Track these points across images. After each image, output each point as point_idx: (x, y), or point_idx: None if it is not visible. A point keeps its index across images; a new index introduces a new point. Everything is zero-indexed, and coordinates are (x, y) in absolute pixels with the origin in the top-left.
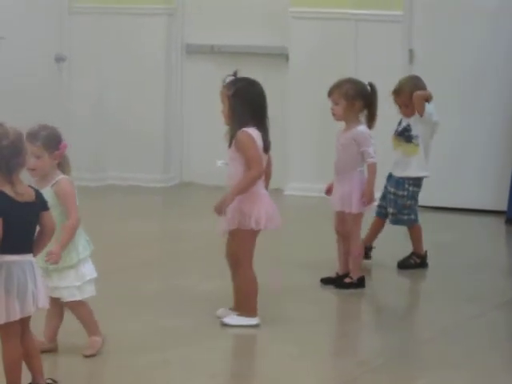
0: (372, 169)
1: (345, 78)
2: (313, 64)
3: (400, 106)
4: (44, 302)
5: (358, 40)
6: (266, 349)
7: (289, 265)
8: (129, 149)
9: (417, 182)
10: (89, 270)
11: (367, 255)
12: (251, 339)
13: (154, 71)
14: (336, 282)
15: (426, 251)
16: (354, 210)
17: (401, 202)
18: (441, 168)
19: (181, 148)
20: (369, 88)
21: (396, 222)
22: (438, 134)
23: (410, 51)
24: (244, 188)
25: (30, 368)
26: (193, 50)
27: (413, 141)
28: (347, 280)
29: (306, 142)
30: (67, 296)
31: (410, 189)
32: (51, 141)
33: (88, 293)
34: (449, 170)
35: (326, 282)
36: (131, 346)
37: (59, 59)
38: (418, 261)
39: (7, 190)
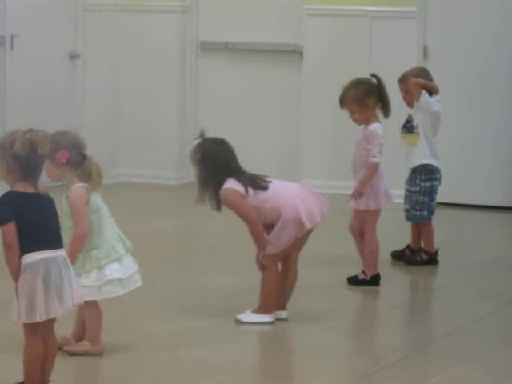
0: (371, 167)
1: (347, 84)
2: (327, 61)
3: (403, 93)
4: (79, 298)
5: (372, 37)
6: (281, 345)
7: (303, 262)
8: (142, 146)
9: (428, 176)
10: (113, 271)
11: (435, 260)
12: (266, 336)
13: (168, 68)
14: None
15: (437, 249)
16: (371, 207)
17: (414, 197)
18: (452, 164)
19: None
20: (375, 80)
21: (409, 218)
22: (450, 131)
23: (425, 48)
24: (261, 239)
25: (42, 369)
26: (207, 47)
27: (414, 130)
28: (361, 276)
29: (320, 139)
30: (87, 295)
31: (422, 184)
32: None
33: (108, 293)
34: (460, 167)
35: (350, 280)
36: (146, 344)
37: (73, 56)
38: (426, 257)
39: (20, 187)
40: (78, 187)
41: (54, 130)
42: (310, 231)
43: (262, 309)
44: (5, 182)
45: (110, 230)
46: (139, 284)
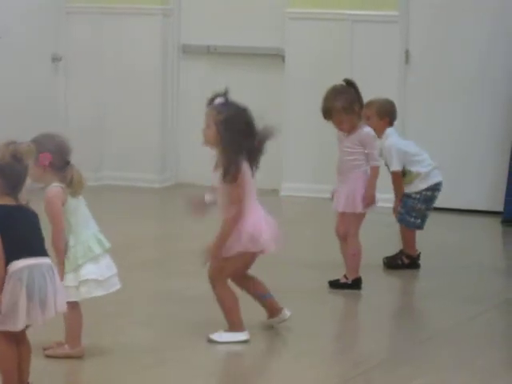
0: (375, 172)
1: (327, 96)
2: (309, 65)
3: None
4: (63, 306)
5: (354, 40)
6: (262, 349)
7: (285, 265)
8: (125, 149)
9: (432, 186)
10: (88, 272)
11: (416, 263)
12: (248, 339)
13: (150, 71)
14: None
15: (419, 253)
16: (358, 209)
17: (411, 203)
18: (440, 170)
19: (176, 148)
20: (348, 85)
21: (401, 220)
22: (432, 136)
23: (406, 52)
24: (227, 234)
25: (18, 371)
26: (189, 51)
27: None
28: (342, 280)
29: (302, 143)
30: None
31: (424, 192)
32: None
33: (84, 294)
34: (445, 171)
35: (333, 285)
36: (125, 347)
37: (55, 59)
38: (407, 261)
39: (2, 200)
40: (54, 187)
41: (39, 133)
42: (255, 255)
43: (232, 327)
44: None
45: (87, 230)
46: (118, 287)
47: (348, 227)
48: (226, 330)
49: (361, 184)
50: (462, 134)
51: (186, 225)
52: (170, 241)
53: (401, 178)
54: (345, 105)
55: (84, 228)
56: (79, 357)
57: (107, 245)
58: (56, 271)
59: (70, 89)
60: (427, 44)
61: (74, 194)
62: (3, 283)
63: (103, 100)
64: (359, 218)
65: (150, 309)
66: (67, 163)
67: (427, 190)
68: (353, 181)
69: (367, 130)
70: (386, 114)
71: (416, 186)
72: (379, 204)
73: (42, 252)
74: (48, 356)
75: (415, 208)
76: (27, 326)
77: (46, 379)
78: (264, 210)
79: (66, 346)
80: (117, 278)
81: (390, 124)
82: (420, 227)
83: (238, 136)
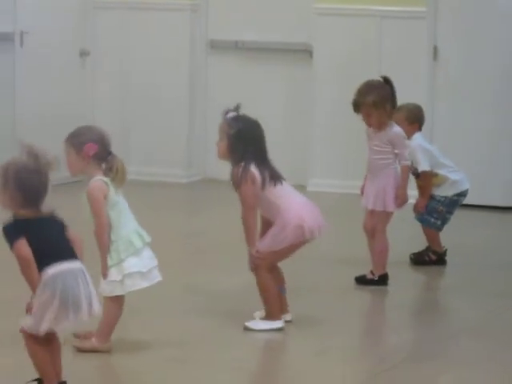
0: (406, 171)
1: (361, 89)
2: (337, 61)
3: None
4: (98, 309)
5: (382, 37)
6: (287, 345)
7: (312, 261)
8: (152, 144)
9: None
10: (131, 265)
11: (443, 260)
12: (273, 336)
13: (178, 66)
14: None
15: (445, 249)
16: (389, 208)
17: (435, 204)
18: (466, 166)
19: (204, 144)
20: (386, 83)
21: (421, 220)
22: (459, 133)
23: (434, 48)
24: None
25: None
26: (217, 46)
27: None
28: (369, 276)
29: (330, 139)
30: (108, 291)
31: (449, 196)
32: (74, 137)
33: (130, 287)
34: (475, 168)
35: (358, 279)
36: (152, 343)
37: (83, 54)
38: (434, 257)
39: (24, 213)
40: (96, 180)
41: (66, 126)
42: (304, 243)
43: (269, 315)
44: (8, 210)
45: (128, 225)
46: (159, 279)
47: (376, 224)
48: (262, 318)
49: (391, 182)
50: (488, 131)
51: (212, 220)
52: (197, 236)
53: (430, 178)
54: (376, 99)
55: (125, 222)
56: (107, 352)
57: (148, 239)
58: (88, 275)
59: (97, 83)
60: (455, 40)
61: (119, 183)
62: (36, 286)
63: (130, 95)
64: (388, 215)
65: (178, 303)
66: (109, 153)
67: (454, 195)
68: (382, 179)
69: (396, 130)
70: (415, 119)
71: (444, 191)
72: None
73: (71, 256)
74: (74, 346)
75: (437, 209)
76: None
77: (74, 372)
78: (305, 198)
79: (94, 339)
80: (157, 271)
81: (419, 129)
82: (439, 229)
83: (247, 148)
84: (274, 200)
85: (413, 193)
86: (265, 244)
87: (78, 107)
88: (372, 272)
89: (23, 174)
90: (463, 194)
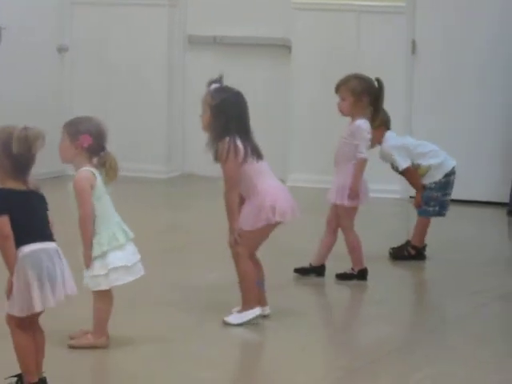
0: (359, 164)
1: (352, 74)
2: (315, 55)
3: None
4: (72, 289)
5: (360, 31)
6: (267, 340)
7: (290, 256)
8: (131, 139)
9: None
10: (116, 259)
11: (422, 255)
12: (252, 330)
13: (156, 62)
14: (308, 272)
15: (425, 245)
16: (346, 203)
17: (428, 193)
18: None
19: (183, 139)
20: (376, 84)
21: (421, 213)
22: (443, 127)
23: (413, 42)
24: (231, 211)
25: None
26: (195, 41)
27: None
28: (349, 271)
29: (309, 134)
30: (93, 285)
31: (438, 179)
32: (71, 126)
33: (114, 281)
34: (456, 163)
35: (300, 271)
36: (135, 338)
37: (62, 49)
38: (413, 252)
39: (10, 184)
40: (84, 170)
41: (45, 122)
42: (275, 225)
43: (246, 304)
44: None
45: (111, 219)
46: (142, 273)
47: (341, 221)
48: (238, 311)
49: (350, 177)
50: (469, 125)
51: (192, 215)
52: (177, 231)
53: (414, 172)
54: (356, 87)
55: (109, 216)
56: (104, 347)
57: (131, 234)
58: (62, 255)
59: (75, 79)
60: (434, 34)
61: (109, 180)
62: (14, 263)
63: (109, 90)
64: (349, 210)
65: (157, 298)
66: (103, 149)
67: (442, 177)
68: (343, 173)
69: (358, 122)
70: (380, 122)
71: (432, 177)
72: (384, 195)
73: (49, 237)
74: (71, 346)
75: (432, 197)
76: (37, 313)
77: (71, 368)
78: (278, 180)
79: (89, 335)
80: (141, 265)
81: (387, 129)
82: (441, 214)
83: (230, 119)
84: (252, 176)
85: (392, 187)
86: (244, 227)
87: (56, 103)
88: (352, 268)
89: (12, 142)
90: (452, 173)
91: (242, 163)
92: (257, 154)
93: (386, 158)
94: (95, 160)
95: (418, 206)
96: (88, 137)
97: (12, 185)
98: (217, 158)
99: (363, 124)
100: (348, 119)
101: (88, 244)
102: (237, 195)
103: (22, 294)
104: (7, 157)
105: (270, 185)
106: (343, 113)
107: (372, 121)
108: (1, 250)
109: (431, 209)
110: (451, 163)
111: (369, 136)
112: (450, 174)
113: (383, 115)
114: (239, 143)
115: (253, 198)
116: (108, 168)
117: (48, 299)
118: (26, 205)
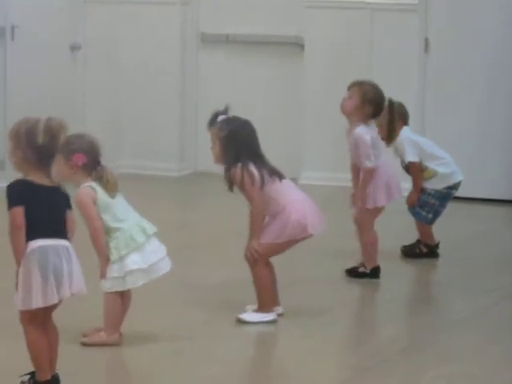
0: (364, 173)
1: (372, 82)
2: (328, 53)
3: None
4: (79, 287)
5: (373, 29)
6: (279, 338)
7: (304, 254)
8: (143, 138)
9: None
10: (132, 262)
11: (434, 253)
12: (265, 328)
13: (169, 60)
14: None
15: (438, 242)
16: (368, 205)
17: (425, 198)
18: (460, 158)
19: (195, 137)
20: (386, 103)
21: (413, 213)
22: (452, 125)
23: (426, 40)
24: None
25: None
26: (208, 39)
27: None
28: (361, 269)
29: (321, 132)
30: (109, 287)
31: (439, 189)
32: (64, 147)
33: (130, 284)
34: (467, 161)
35: (350, 272)
36: (145, 336)
37: (74, 48)
38: (425, 250)
39: (33, 176)
40: (83, 187)
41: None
42: (304, 238)
43: (262, 308)
44: (18, 171)
45: (127, 221)
46: (166, 270)
47: (362, 216)
48: (254, 310)
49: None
50: (481, 123)
51: (204, 213)
52: (189, 229)
53: (419, 169)
54: (368, 93)
55: (123, 220)
56: (116, 344)
57: (151, 230)
58: (73, 253)
59: (88, 77)
60: (446, 32)
61: (110, 193)
62: (22, 256)
63: (122, 88)
64: (370, 211)
65: (171, 296)
66: (98, 163)
67: (444, 188)
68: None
69: (358, 131)
70: (399, 116)
71: (434, 184)
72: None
73: (61, 234)
74: (84, 344)
75: (429, 203)
76: (50, 310)
77: (83, 366)
78: (302, 193)
79: (102, 333)
80: (165, 262)
81: (405, 124)
82: (430, 222)
83: (240, 148)
84: (274, 196)
85: (406, 185)
86: (266, 239)
87: (69, 101)
88: (364, 265)
89: (37, 133)
90: (454, 187)
91: (261, 187)
92: (278, 175)
93: (397, 149)
94: (93, 174)
95: (411, 204)
96: (81, 155)
97: (34, 177)
98: (231, 187)
99: (361, 131)
100: (346, 121)
101: (103, 257)
102: (264, 216)
103: (24, 289)
104: (31, 148)
105: (294, 199)
106: (343, 110)
107: (387, 142)
108: (11, 241)
109: (424, 213)
110: (458, 177)
111: (369, 143)
112: (453, 188)
113: (401, 110)
114: (252, 168)
115: (278, 217)
116: (105, 182)
117: (50, 296)
118: (43, 200)
